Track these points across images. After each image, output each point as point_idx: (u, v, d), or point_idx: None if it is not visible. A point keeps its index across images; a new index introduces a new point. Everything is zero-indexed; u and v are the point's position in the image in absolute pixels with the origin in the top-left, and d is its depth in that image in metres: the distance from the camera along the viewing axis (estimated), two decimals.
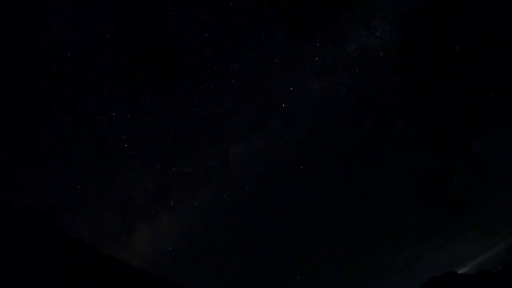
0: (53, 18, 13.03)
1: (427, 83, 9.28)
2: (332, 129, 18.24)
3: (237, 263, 19.91)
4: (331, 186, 19.63)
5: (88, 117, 13.76)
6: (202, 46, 13.60)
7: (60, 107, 13.07)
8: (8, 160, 12.33)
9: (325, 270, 20.51)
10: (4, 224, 10.84)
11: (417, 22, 9.30)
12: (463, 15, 8.99)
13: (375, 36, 10.96)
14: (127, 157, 14.90)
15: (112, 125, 14.09)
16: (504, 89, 9.14)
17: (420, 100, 9.40)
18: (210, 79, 13.95)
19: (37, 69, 12.45)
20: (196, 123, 15.66)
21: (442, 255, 19.23)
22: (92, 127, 13.98)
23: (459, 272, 16.48)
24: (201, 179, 17.81)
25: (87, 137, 13.69)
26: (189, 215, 17.94)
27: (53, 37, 13.11)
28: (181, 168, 17.22)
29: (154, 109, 14.42)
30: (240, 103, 15.95)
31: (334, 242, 20.21)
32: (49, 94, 12.86)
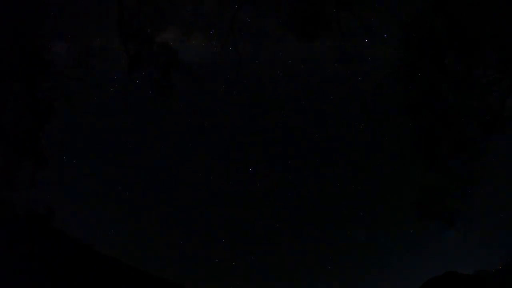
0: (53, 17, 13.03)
1: (428, 89, 9.26)
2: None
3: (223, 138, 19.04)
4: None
5: None
6: None
7: (61, 106, 13.09)
8: (8, 160, 12.40)
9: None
10: (4, 225, 10.91)
11: (419, 27, 9.27)
12: (464, 20, 8.95)
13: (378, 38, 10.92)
14: None
15: None
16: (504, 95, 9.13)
17: (420, 106, 9.40)
18: None
19: (37, 69, 12.48)
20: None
21: (442, 255, 19.27)
22: None
23: (459, 272, 16.45)
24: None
25: None
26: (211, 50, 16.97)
27: (53, 36, 13.12)
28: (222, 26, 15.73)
29: None
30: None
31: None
32: (49, 94, 12.91)
